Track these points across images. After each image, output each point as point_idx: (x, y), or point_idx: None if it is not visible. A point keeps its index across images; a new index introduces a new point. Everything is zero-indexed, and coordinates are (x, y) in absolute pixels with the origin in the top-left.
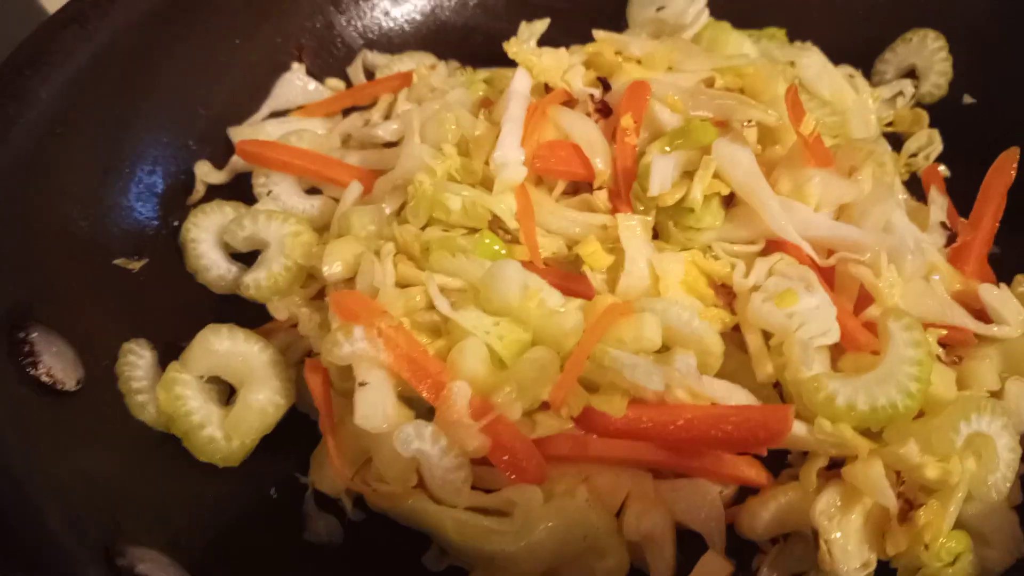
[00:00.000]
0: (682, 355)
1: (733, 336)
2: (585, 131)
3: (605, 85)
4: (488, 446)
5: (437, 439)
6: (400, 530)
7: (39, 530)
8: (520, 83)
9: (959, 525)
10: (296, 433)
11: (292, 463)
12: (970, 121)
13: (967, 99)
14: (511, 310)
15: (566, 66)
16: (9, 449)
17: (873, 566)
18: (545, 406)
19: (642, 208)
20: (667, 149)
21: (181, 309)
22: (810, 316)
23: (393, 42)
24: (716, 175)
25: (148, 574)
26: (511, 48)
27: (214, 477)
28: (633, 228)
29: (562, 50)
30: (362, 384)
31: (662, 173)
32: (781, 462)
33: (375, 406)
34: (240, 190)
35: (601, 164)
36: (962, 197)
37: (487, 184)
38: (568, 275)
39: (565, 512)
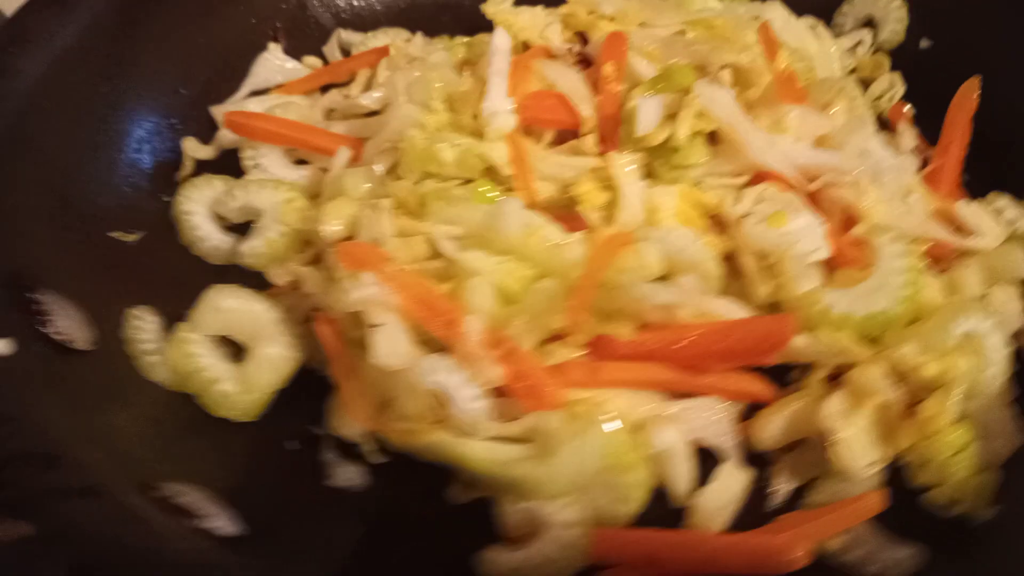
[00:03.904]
0: (685, 276)
1: (725, 264)
2: (569, 80)
3: (583, 39)
4: (505, 375)
5: (457, 369)
6: (422, 471)
7: (79, 469)
8: (501, 41)
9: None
10: (306, 390)
11: (306, 418)
12: (928, 64)
13: (924, 43)
14: (514, 248)
15: (543, 24)
16: (35, 402)
17: (881, 464)
18: (555, 338)
19: (630, 150)
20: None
21: (179, 281)
22: (801, 234)
23: (365, 21)
24: (699, 114)
25: (190, 504)
26: (489, 9)
27: (232, 432)
28: (625, 165)
29: (539, 8)
30: (377, 325)
31: (648, 114)
32: (784, 382)
33: (392, 344)
34: (227, 165)
35: (587, 111)
36: (927, 135)
37: (476, 137)
38: (565, 215)
39: (585, 432)
